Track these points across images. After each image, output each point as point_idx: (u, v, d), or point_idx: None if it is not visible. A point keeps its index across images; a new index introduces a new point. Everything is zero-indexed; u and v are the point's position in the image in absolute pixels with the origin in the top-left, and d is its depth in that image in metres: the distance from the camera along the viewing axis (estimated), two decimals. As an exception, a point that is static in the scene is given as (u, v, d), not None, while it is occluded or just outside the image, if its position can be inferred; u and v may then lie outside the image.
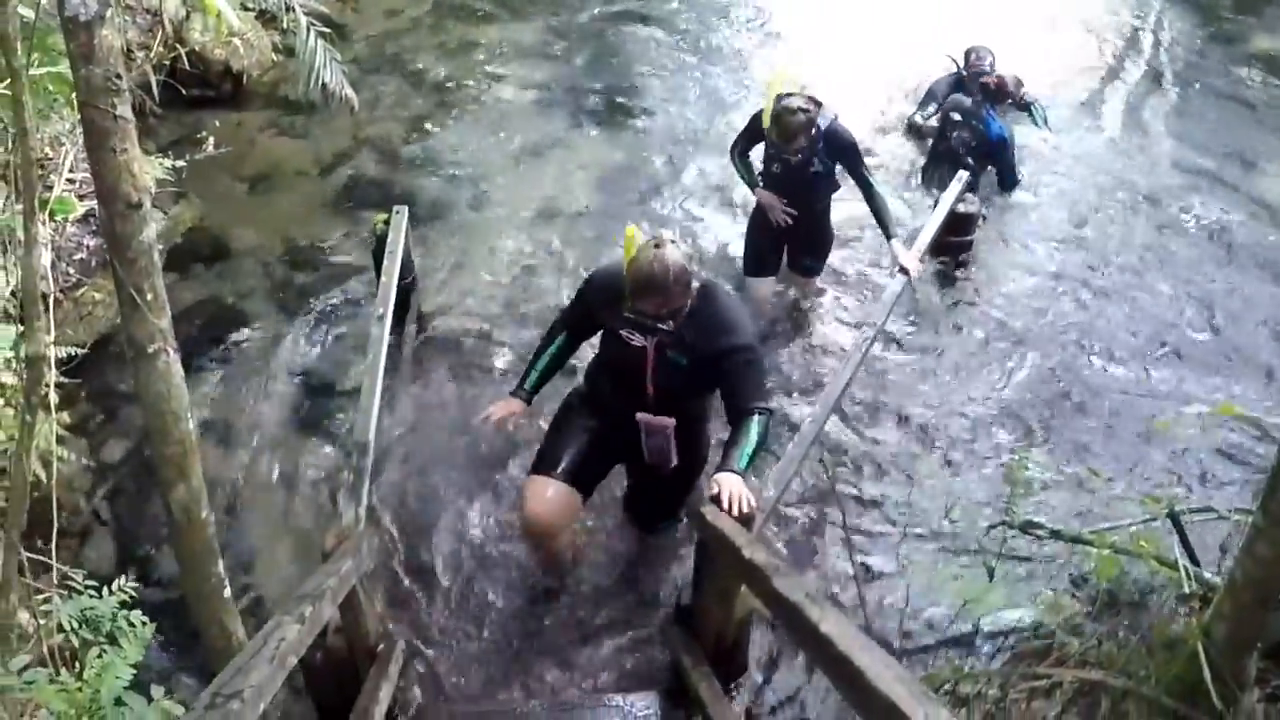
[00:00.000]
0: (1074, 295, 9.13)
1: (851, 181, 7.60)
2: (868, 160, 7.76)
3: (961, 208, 8.88)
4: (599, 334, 5.45)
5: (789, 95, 7.15)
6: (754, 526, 4.54)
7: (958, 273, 9.15)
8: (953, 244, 9.05)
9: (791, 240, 8.14)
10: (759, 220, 8.09)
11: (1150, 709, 4.25)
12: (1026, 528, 5.64)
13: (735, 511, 4.46)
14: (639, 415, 5.31)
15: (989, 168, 9.87)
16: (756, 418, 4.91)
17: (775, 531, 6.54)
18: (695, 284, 4.88)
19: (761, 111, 7.39)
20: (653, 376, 5.15)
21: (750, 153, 7.87)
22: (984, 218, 9.45)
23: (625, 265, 4.82)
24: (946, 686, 4.87)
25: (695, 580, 5.25)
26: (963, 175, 9.11)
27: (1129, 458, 7.36)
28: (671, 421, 5.29)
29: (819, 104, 7.21)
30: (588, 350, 5.93)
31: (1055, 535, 5.65)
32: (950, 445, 7.45)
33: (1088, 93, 12.62)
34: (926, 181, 10.36)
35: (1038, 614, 5.67)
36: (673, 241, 4.81)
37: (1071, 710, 4.61)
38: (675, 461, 5.45)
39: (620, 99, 11.96)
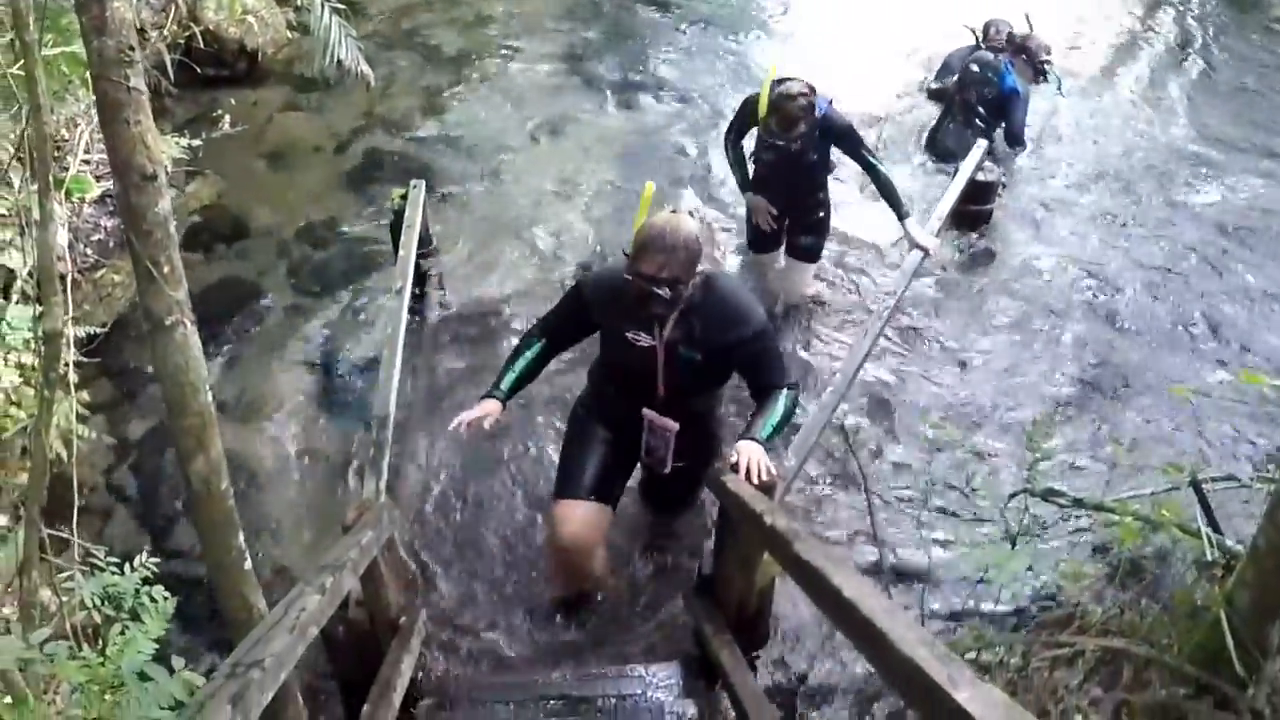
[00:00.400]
0: (1094, 263, 9.11)
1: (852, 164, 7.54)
2: (877, 125, 7.68)
3: (981, 176, 8.89)
4: (599, 337, 5.27)
5: (786, 80, 7.00)
6: (775, 495, 4.52)
7: (977, 242, 9.13)
8: (972, 213, 9.08)
9: (790, 219, 7.94)
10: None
11: (1173, 677, 4.23)
12: (1048, 496, 5.61)
13: (755, 479, 4.44)
14: (645, 411, 5.18)
15: (999, 127, 9.82)
16: (784, 392, 4.86)
17: (796, 500, 6.52)
18: (700, 269, 4.64)
19: (754, 97, 7.26)
20: (664, 377, 5.00)
21: (743, 141, 7.69)
22: (1004, 186, 9.46)
23: (636, 224, 4.67)
24: (969, 655, 4.85)
25: (716, 549, 5.23)
26: (982, 143, 9.13)
27: (1151, 426, 7.34)
28: (675, 426, 5.14)
29: (813, 89, 7.03)
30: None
31: (1077, 503, 5.62)
32: (970, 414, 7.45)
33: (1108, 60, 12.65)
34: (938, 136, 10.42)
35: (1059, 582, 5.66)
36: (692, 214, 4.73)
37: (1093, 679, 4.59)
38: (669, 467, 5.30)
39: (638, 73, 11.98)
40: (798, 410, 5.16)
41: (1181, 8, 13.97)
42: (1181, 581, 5.24)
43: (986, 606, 5.74)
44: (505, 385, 5.13)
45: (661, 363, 4.93)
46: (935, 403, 7.56)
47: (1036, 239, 9.43)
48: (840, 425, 6.83)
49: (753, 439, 4.66)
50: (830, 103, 7.18)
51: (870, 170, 7.31)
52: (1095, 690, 4.49)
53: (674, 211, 4.64)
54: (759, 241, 8.23)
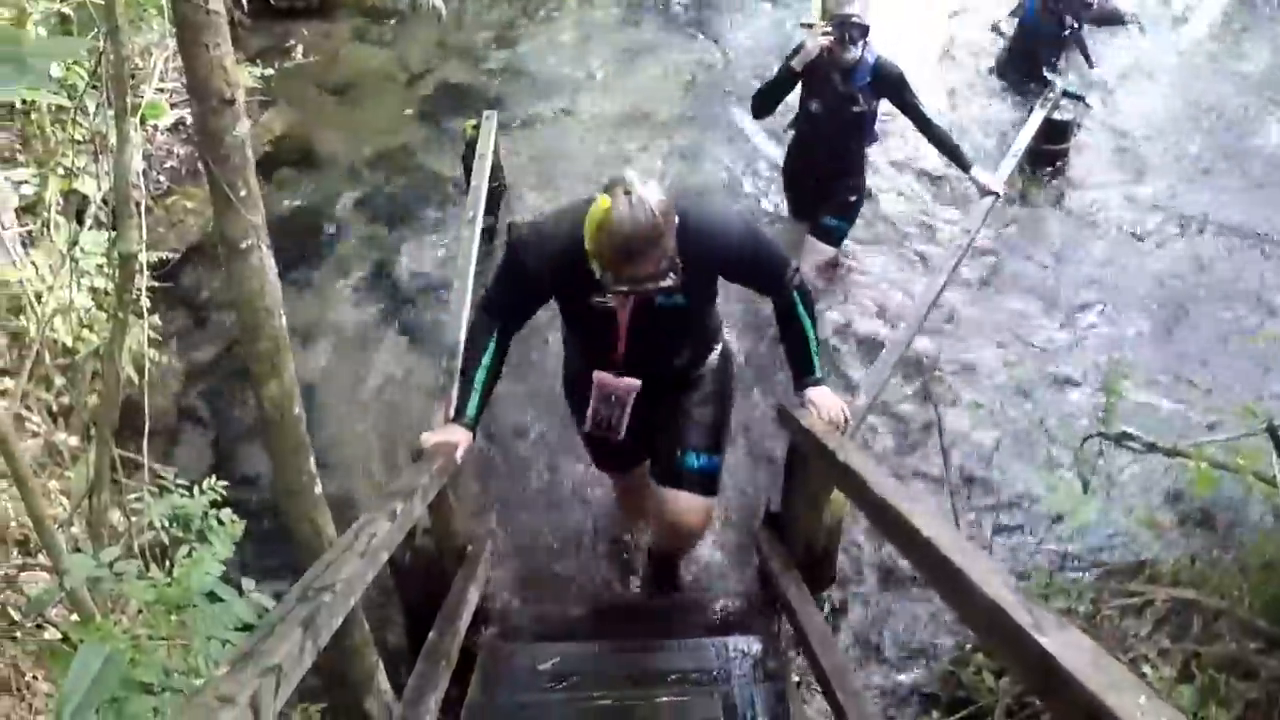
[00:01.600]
0: (1171, 204, 9.05)
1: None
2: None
3: (1057, 115, 8.89)
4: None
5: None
6: (847, 432, 4.47)
7: (1052, 181, 9.09)
8: (1049, 152, 9.14)
9: (825, 192, 7.48)
10: (790, 169, 7.74)
11: (1244, 630, 4.20)
12: (1122, 440, 5.54)
13: (840, 426, 4.37)
14: (596, 375, 4.55)
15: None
16: (794, 300, 4.39)
17: (867, 437, 6.48)
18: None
19: (795, 50, 6.87)
20: (628, 336, 4.37)
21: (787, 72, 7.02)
22: (1079, 125, 9.42)
23: (589, 230, 3.76)
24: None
25: (785, 486, 5.17)
26: (1056, 83, 9.14)
27: (1228, 371, 7.25)
28: (636, 384, 4.50)
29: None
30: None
31: (1151, 448, 5.54)
32: (1047, 355, 7.41)
33: None
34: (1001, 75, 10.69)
35: (1131, 529, 5.61)
36: (637, 183, 3.71)
37: (1163, 629, 4.56)
38: (622, 435, 4.66)
39: (711, 8, 11.89)
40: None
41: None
42: (1255, 532, 5.19)
43: (1057, 550, 5.72)
44: (472, 411, 4.38)
45: (625, 322, 4.31)
46: (1009, 342, 7.52)
47: (1113, 179, 9.36)
48: (918, 359, 6.77)
49: (814, 383, 4.51)
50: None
51: (921, 120, 7.00)
52: (1164, 641, 4.45)
53: (627, 194, 3.67)
54: (800, 208, 7.90)
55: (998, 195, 7.33)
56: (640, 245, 3.66)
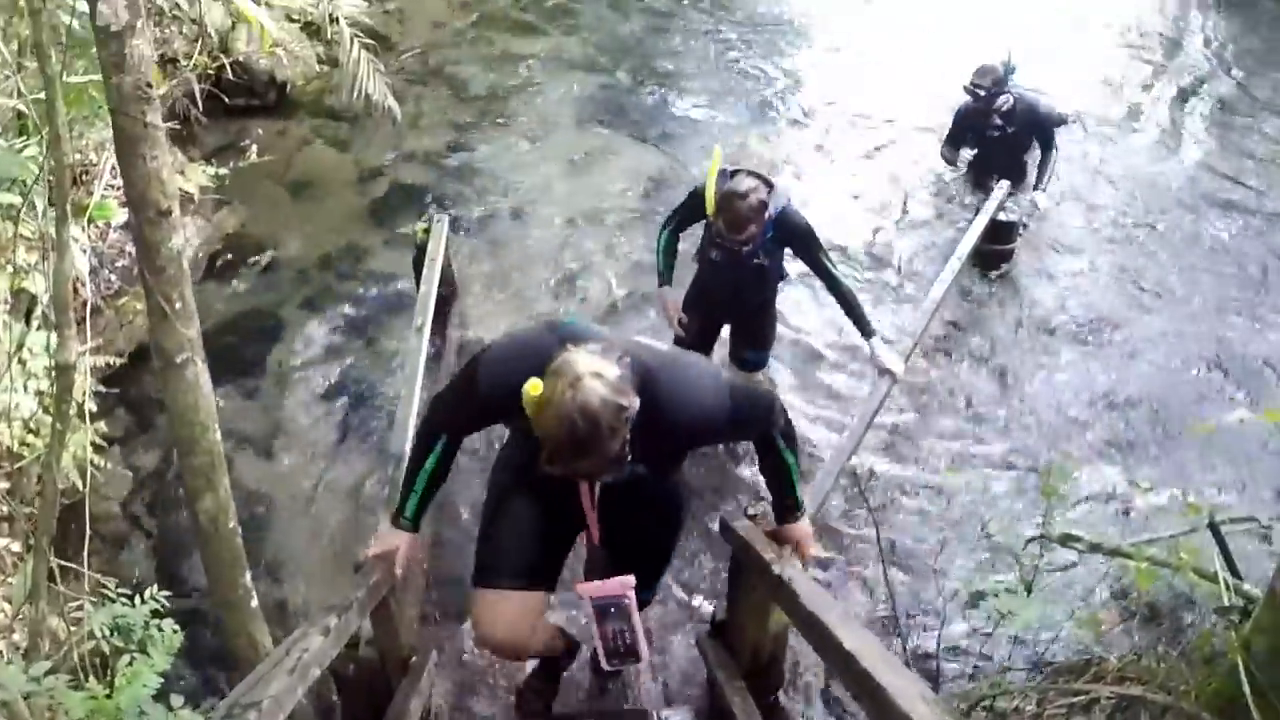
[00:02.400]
0: (1112, 304, 9.17)
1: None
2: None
3: (1003, 216, 9.00)
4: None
5: (736, 174, 6.14)
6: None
7: (996, 282, 9.18)
8: (994, 253, 9.19)
9: (732, 330, 7.28)
10: (692, 302, 7.00)
11: (1189, 724, 4.21)
12: (1065, 540, 5.59)
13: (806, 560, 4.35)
14: (580, 587, 4.14)
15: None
16: (776, 440, 4.14)
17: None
18: (632, 402, 3.30)
19: (701, 189, 6.30)
20: (601, 519, 4.20)
21: (682, 232, 6.80)
22: (1025, 226, 9.53)
23: (527, 408, 3.32)
24: (984, 703, 4.83)
25: (730, 595, 5.18)
26: (1004, 184, 9.19)
27: (1170, 467, 7.35)
28: (631, 584, 4.04)
29: (770, 185, 6.16)
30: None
31: (1094, 548, 5.59)
32: (987, 457, 7.45)
33: (1128, 101, 12.65)
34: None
35: (1076, 629, 5.64)
36: (586, 375, 3.22)
37: (1109, 726, 4.58)
38: (646, 656, 4.30)
39: (665, 114, 12.00)
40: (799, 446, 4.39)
41: (1202, 45, 13.98)
42: (1199, 627, 5.23)
43: (1002, 653, 5.72)
44: (410, 512, 4.21)
45: (595, 510, 4.14)
46: (950, 446, 7.56)
47: (1055, 277, 9.48)
48: (854, 469, 6.77)
49: (794, 519, 4.40)
50: (789, 202, 6.35)
51: (828, 279, 6.50)
52: (1111, 738, 4.48)
53: (573, 386, 3.19)
54: (695, 343, 7.05)
55: (894, 378, 6.89)
56: (578, 448, 3.22)
